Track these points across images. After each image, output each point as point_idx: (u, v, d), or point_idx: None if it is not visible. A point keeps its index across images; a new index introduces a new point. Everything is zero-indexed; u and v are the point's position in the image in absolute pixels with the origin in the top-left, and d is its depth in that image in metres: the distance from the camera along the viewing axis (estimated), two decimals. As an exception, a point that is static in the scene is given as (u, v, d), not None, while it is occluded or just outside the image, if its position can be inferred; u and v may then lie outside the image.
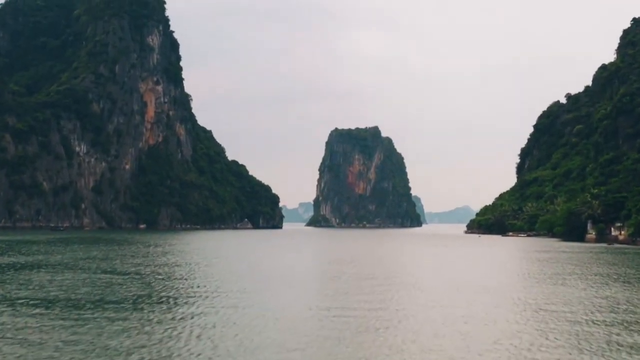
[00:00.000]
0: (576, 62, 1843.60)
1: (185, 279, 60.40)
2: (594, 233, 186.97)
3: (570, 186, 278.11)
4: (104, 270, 67.67)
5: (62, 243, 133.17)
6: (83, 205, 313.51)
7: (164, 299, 45.53)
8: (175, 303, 43.81)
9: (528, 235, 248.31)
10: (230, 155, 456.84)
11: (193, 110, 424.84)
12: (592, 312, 42.74)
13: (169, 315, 38.24)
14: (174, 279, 60.66)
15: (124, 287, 53.02)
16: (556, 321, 38.78)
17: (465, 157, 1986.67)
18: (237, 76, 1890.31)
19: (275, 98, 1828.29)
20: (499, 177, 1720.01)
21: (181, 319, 37.30)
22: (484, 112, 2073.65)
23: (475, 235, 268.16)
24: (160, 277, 62.06)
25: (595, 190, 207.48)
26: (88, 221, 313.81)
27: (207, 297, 47.32)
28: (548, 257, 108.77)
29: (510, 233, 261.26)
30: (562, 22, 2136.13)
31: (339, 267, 78.59)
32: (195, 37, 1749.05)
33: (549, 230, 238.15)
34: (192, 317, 37.76)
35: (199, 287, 54.12)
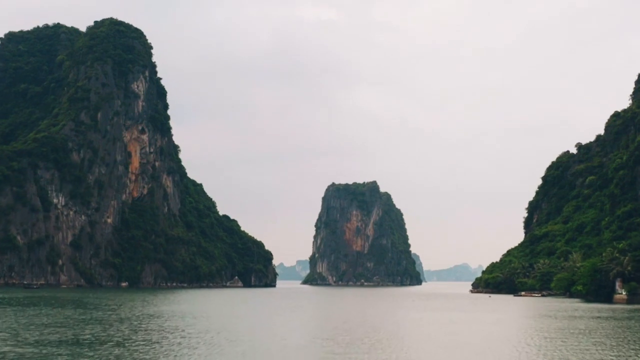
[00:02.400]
0: (577, 120, 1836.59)
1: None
2: (624, 293, 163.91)
3: (584, 241, 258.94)
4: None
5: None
6: (60, 262, 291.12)
7: None
8: None
9: (543, 295, 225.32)
10: (226, 212, 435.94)
11: (186, 164, 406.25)
12: None
13: None
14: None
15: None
16: None
17: (463, 213, 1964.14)
18: (234, 132, 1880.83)
19: (275, 154, 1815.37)
20: (499, 233, 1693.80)
21: None
22: (483, 169, 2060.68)
23: (485, 295, 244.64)
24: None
25: (621, 245, 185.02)
26: (65, 278, 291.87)
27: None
28: (590, 326, 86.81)
29: (523, 292, 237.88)
30: (565, 77, 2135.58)
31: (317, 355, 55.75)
32: (193, 92, 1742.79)
33: (567, 289, 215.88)
34: None
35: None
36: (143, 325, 75.27)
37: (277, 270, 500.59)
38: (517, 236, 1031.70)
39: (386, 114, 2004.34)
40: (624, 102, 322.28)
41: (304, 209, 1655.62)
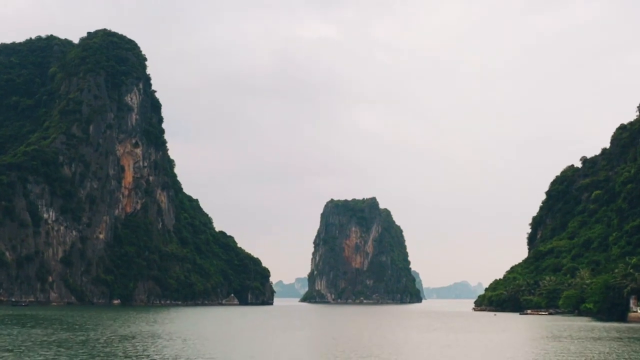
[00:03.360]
0: (580, 134, 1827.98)
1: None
2: (639, 310, 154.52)
3: (591, 257, 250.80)
4: None
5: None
6: (50, 278, 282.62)
7: None
8: None
9: (550, 313, 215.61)
10: (225, 229, 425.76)
11: (185, 181, 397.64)
12: None
13: None
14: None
15: None
16: None
17: (462, 231, 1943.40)
18: (234, 149, 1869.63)
19: (275, 171, 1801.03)
20: (499, 251, 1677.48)
21: None
22: (483, 186, 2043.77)
23: (489, 314, 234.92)
24: None
25: (634, 260, 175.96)
26: (55, 296, 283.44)
27: None
28: (617, 350, 77.45)
29: (529, 311, 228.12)
30: (568, 92, 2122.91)
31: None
32: (192, 109, 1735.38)
33: (575, 307, 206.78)
34: None
35: None
36: (106, 349, 66.06)
37: (276, 288, 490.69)
38: (517, 253, 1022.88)
39: (387, 132, 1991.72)
40: (630, 115, 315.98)
41: (303, 226, 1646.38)
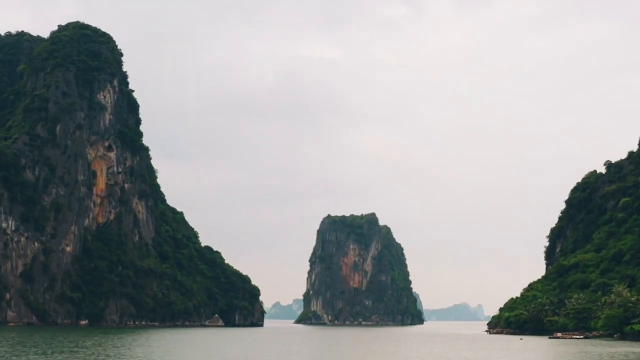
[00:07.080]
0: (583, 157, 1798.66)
1: None
2: None
3: (624, 272, 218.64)
4: None
5: None
6: (8, 295, 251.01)
7: None
8: None
9: (586, 337, 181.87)
10: (221, 249, 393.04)
11: (182, 200, 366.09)
12: None
13: None
14: None
15: None
16: None
17: (461, 252, 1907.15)
18: (235, 169, 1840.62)
19: (276, 191, 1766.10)
20: (499, 272, 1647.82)
21: None
22: (484, 207, 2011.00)
23: (511, 337, 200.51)
24: None
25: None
26: (14, 315, 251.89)
27: None
28: None
29: (559, 334, 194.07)
30: (578, 111, 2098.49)
31: None
32: (192, 129, 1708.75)
33: (617, 329, 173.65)
34: None
35: None
36: None
37: (274, 309, 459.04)
38: (520, 274, 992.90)
39: (388, 152, 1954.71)
40: None
41: (302, 246, 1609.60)
